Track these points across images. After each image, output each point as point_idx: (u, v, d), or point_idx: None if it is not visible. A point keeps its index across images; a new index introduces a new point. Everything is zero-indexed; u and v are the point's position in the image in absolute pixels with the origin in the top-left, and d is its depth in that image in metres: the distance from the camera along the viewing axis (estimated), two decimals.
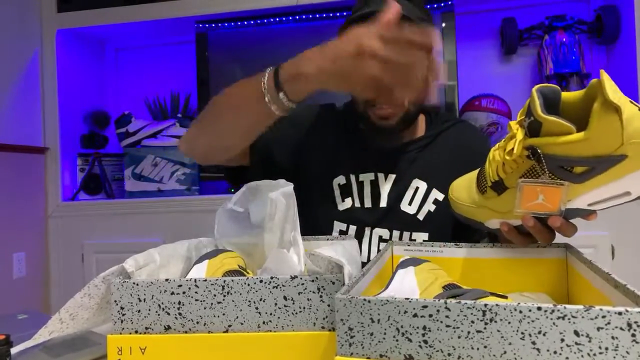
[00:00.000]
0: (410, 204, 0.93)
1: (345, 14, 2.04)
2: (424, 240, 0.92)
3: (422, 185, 0.93)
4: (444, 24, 1.95)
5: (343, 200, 0.94)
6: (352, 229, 0.93)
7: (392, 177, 0.94)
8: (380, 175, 0.94)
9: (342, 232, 0.94)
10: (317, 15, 2.07)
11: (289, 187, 0.64)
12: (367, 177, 0.94)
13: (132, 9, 2.20)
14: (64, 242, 2.23)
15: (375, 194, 0.93)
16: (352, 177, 0.94)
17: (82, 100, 2.38)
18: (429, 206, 0.93)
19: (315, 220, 0.94)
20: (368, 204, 0.93)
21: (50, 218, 2.24)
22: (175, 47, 2.51)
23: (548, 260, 0.63)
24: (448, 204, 0.72)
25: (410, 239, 0.92)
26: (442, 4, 1.96)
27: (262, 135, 0.79)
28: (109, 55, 2.59)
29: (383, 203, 0.93)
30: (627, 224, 1.75)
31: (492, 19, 2.19)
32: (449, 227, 0.94)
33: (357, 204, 0.94)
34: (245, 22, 2.15)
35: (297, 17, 2.10)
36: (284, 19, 2.12)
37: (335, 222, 0.94)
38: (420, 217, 0.92)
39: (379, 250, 0.92)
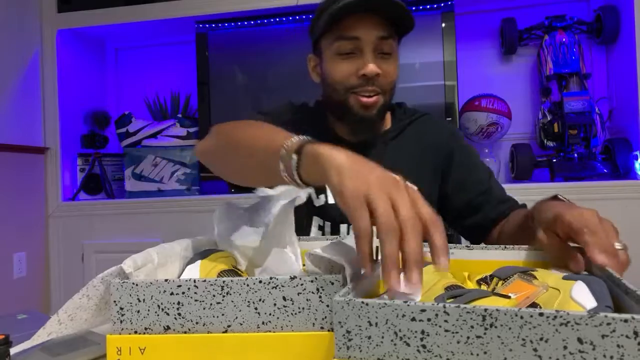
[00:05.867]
0: None
1: None
2: None
3: None
4: (444, 24, 1.95)
5: (318, 197, 0.95)
6: (328, 225, 0.95)
7: None
8: None
9: (320, 227, 0.95)
10: None
11: (298, 194, 0.65)
12: None
13: (132, 9, 2.20)
14: (64, 242, 2.23)
15: None
16: None
17: (82, 100, 2.38)
18: None
19: (296, 213, 0.95)
20: None
21: (51, 218, 2.24)
22: (175, 47, 2.51)
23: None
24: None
25: None
26: (442, 4, 1.96)
27: None
28: (109, 55, 2.59)
29: None
30: (627, 224, 1.75)
31: (492, 19, 2.19)
32: None
33: (330, 200, 0.94)
34: (245, 22, 2.15)
35: (297, 17, 2.10)
36: (284, 19, 2.12)
37: (314, 217, 0.95)
38: None
39: None
